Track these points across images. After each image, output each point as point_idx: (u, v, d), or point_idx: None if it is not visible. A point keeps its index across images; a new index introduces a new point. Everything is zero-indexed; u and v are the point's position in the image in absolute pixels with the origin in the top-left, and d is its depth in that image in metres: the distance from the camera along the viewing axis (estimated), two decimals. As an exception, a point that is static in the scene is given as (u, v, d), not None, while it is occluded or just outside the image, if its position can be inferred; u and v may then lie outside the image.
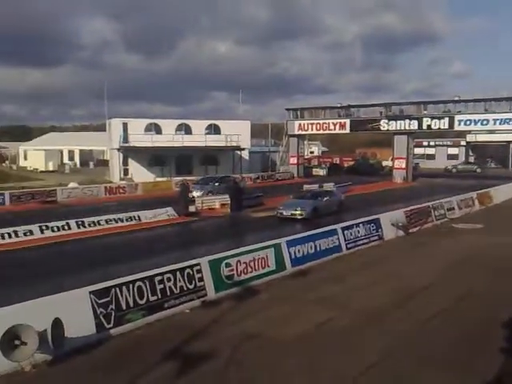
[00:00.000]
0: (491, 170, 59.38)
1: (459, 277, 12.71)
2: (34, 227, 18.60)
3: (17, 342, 7.17)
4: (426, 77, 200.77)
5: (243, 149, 48.59)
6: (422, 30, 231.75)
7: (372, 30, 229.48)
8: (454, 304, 10.45)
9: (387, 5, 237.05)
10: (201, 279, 10.68)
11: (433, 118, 43.70)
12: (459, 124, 42.81)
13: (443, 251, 15.88)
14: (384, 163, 60.73)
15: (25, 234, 18.07)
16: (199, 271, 10.69)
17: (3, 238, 17.46)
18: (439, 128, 44.18)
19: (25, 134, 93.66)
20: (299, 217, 22.38)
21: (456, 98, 43.23)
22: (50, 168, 56.40)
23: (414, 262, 14.55)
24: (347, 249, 15.61)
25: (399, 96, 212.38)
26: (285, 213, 22.85)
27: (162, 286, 9.83)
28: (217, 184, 32.04)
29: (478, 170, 58.77)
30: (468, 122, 42.48)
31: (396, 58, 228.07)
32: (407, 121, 44.57)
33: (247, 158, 51.22)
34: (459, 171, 58.52)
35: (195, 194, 29.34)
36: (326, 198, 24.39)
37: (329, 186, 32.63)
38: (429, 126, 44.11)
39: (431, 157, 70.74)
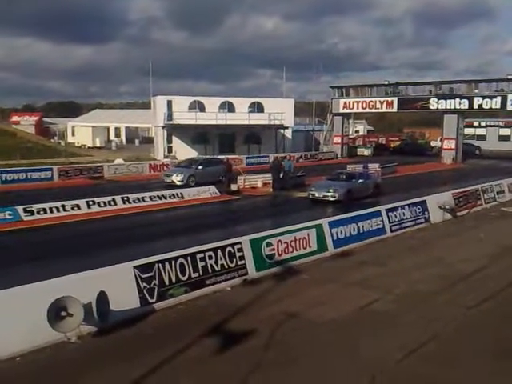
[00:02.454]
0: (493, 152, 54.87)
1: (509, 262, 12.25)
2: (82, 202, 19.08)
3: (63, 314, 7.39)
4: (479, 54, 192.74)
5: (286, 127, 48.08)
6: (476, 5, 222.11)
7: (423, 4, 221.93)
8: (504, 290, 10.08)
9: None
10: (242, 258, 10.70)
11: (484, 97, 41.99)
12: (512, 104, 40.97)
13: (492, 235, 15.32)
14: (433, 143, 58.85)
15: (72, 209, 18.57)
16: (240, 250, 10.71)
17: (52, 211, 18.01)
18: (491, 108, 42.54)
19: (73, 110, 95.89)
20: (332, 199, 21.25)
21: (510, 77, 41.22)
22: (97, 144, 57.67)
23: (462, 246, 14.10)
24: (391, 231, 15.28)
25: (450, 74, 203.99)
26: (317, 194, 21.78)
27: (203, 263, 9.90)
28: (200, 167, 27.38)
29: (477, 152, 55.36)
30: (522, 102, 40.56)
31: (448, 35, 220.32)
32: (457, 100, 42.97)
33: (290, 136, 50.72)
34: None
35: (174, 178, 26.50)
36: (360, 180, 23.04)
37: (374, 167, 32.03)
38: (480, 106, 42.47)
39: (482, 137, 68.02)
